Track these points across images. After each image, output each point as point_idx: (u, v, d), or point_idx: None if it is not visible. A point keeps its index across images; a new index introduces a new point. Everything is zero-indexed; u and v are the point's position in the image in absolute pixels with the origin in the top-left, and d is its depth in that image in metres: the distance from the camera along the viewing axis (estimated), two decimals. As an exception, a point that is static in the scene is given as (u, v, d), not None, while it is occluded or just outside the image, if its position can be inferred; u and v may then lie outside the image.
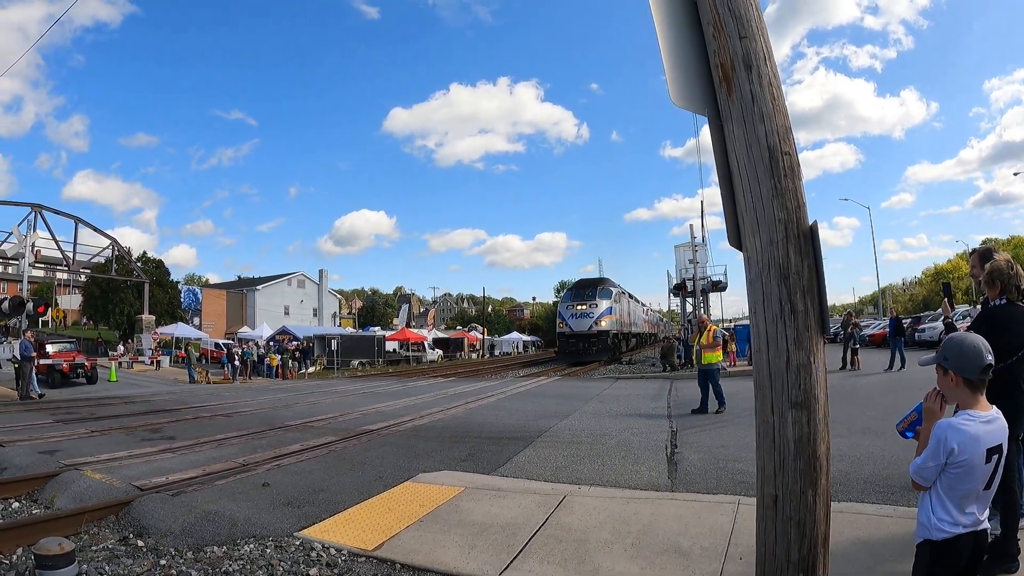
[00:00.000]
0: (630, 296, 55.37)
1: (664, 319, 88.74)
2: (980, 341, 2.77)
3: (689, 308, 41.04)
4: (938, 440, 2.71)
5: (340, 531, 5.79)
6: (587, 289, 45.86)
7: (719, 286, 42.52)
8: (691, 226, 42.54)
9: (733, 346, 29.52)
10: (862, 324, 30.65)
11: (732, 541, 5.11)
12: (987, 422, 2.71)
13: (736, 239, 3.41)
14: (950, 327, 5.51)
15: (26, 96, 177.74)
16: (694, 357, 16.01)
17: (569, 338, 43.33)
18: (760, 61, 3.39)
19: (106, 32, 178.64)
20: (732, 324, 56.94)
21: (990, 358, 2.71)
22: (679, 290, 42.92)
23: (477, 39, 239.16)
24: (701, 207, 45.37)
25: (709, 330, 14.46)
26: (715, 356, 14.20)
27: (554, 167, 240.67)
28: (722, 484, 7.08)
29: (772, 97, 3.36)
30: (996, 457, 2.70)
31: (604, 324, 41.86)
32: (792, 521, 3.19)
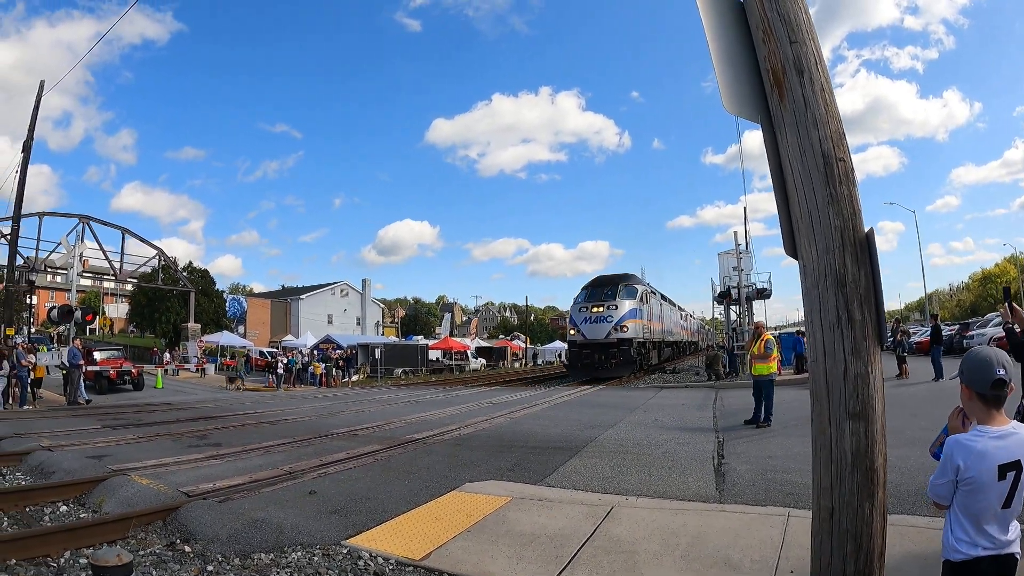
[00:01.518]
0: (663, 298, 46.01)
1: (707, 327, 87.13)
2: (995, 355, 2.64)
3: (733, 316, 40.10)
4: (945, 456, 2.66)
5: (387, 540, 5.78)
6: (605, 287, 35.85)
7: (764, 293, 40.00)
8: (735, 233, 39.20)
9: (777, 354, 28.77)
10: (910, 331, 29.87)
11: (783, 554, 5.01)
12: (999, 437, 2.60)
13: (791, 247, 3.36)
14: (1011, 332, 5.35)
15: (75, 112, 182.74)
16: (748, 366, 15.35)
17: (582, 348, 34.09)
18: (811, 65, 3.36)
19: (153, 49, 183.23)
20: (777, 332, 55.61)
21: (1001, 372, 2.57)
22: (723, 298, 40.85)
23: (517, 49, 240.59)
24: (744, 213, 41.20)
25: (761, 339, 13.65)
26: (765, 367, 13.21)
27: (596, 175, 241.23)
28: (771, 496, 6.96)
29: (824, 102, 3.32)
30: (1012, 474, 2.59)
31: (626, 330, 32.76)
32: (849, 534, 3.16)
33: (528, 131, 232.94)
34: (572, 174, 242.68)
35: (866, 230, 3.24)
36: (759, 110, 3.47)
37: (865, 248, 3.20)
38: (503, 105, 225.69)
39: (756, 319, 35.01)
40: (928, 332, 26.98)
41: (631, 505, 6.67)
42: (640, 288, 36.17)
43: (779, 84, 3.39)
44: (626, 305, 33.47)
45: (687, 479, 7.97)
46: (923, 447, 8.37)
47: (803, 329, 32.22)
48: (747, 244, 37.60)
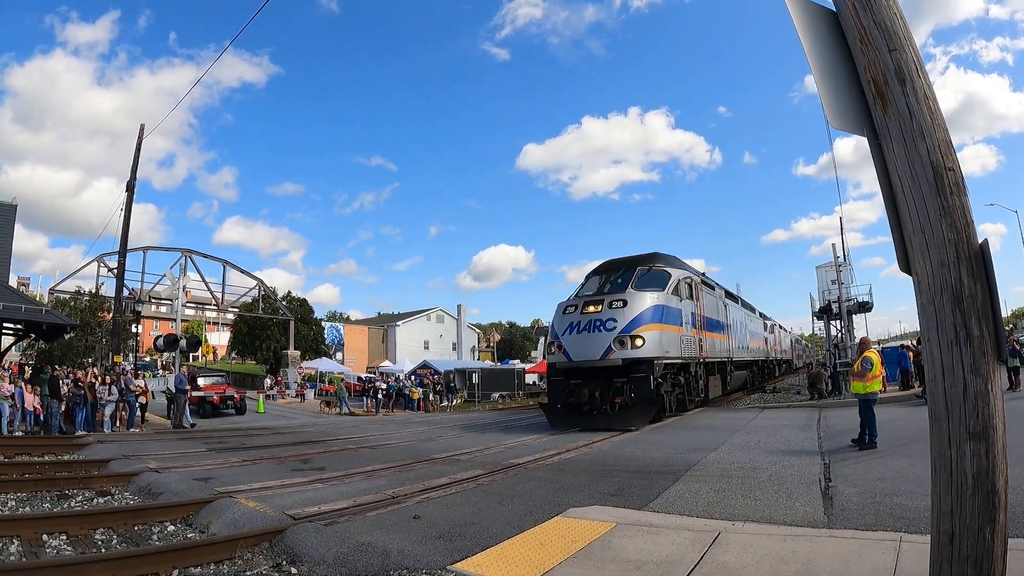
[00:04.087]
0: (730, 295, 31.49)
1: (805, 342, 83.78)
2: None
3: (834, 331, 38.78)
4: None
5: (493, 566, 5.75)
6: (614, 273, 22.08)
7: (865, 306, 37.68)
8: (833, 245, 36.98)
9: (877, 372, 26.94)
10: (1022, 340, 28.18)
11: (897, 581, 4.83)
12: None
13: (904, 263, 3.26)
14: None
15: (179, 153, 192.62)
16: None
17: (567, 376, 20.06)
18: (913, 73, 3.27)
19: (252, 92, 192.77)
20: (880, 346, 51.95)
21: None
22: (823, 313, 39.30)
23: (605, 72, 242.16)
24: (840, 224, 38.68)
25: (861, 355, 12.90)
26: (861, 386, 12.42)
27: (689, 193, 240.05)
28: (881, 520, 6.70)
29: (929, 110, 3.23)
30: None
31: (639, 344, 18.72)
32: (969, 560, 3.03)
33: (619, 152, 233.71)
34: (665, 193, 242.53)
35: (980, 241, 3.13)
36: (864, 123, 3.39)
37: (980, 261, 3.09)
38: (593, 128, 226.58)
39: (859, 334, 33.23)
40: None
41: (738, 531, 6.51)
42: (675, 274, 21.72)
43: (882, 95, 3.31)
44: (645, 300, 19.45)
45: (794, 503, 7.74)
46: (1039, 464, 7.96)
47: (907, 343, 31.17)
48: (845, 256, 36.04)
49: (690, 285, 22.92)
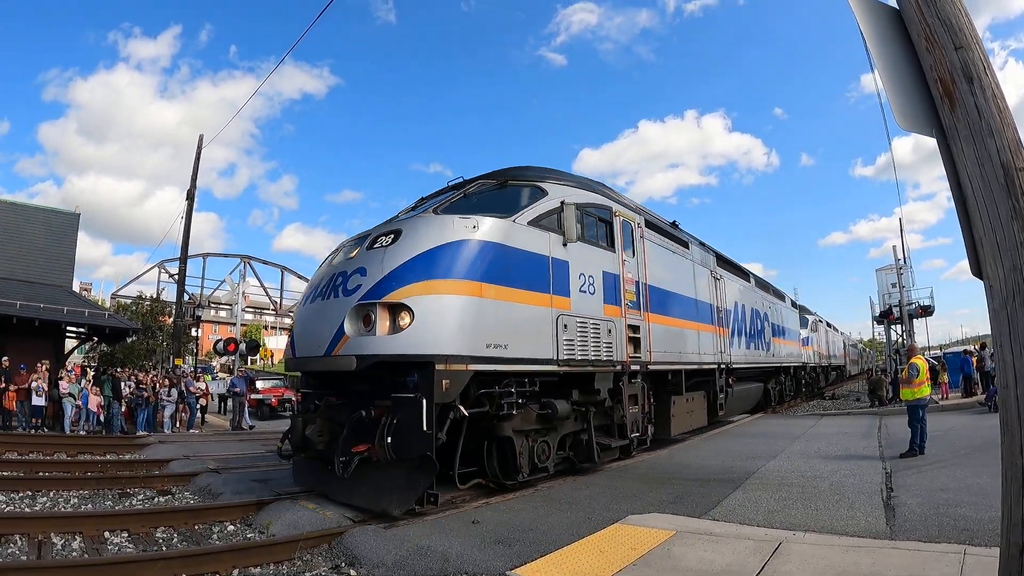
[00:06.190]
0: (728, 264, 19.75)
1: (863, 346, 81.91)
2: None
3: (894, 336, 37.78)
4: None
5: (552, 572, 5.72)
6: (433, 199, 10.76)
7: (927, 311, 36.13)
8: (894, 247, 35.47)
9: (945, 376, 25.61)
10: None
11: (962, 594, 4.71)
12: None
13: (976, 266, 3.18)
14: None
15: (240, 162, 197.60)
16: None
17: (323, 385, 9.39)
18: (980, 71, 3.22)
19: (312, 103, 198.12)
20: (941, 351, 49.84)
21: None
22: (884, 317, 38.09)
23: (658, 75, 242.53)
24: (900, 226, 36.91)
25: (909, 361, 12.78)
26: (909, 392, 12.44)
27: (746, 196, 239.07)
28: (944, 532, 6.55)
29: (998, 109, 3.17)
30: None
31: (409, 322, 7.79)
32: (1039, 573, 2.93)
33: (676, 156, 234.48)
34: (722, 196, 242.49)
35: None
36: (931, 124, 3.32)
37: (1053, 264, 2.99)
38: (649, 131, 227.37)
39: (920, 338, 32.12)
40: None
41: (799, 541, 6.41)
42: (555, 191, 10.28)
43: (949, 94, 3.24)
44: (440, 230, 8.55)
45: (855, 513, 7.59)
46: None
47: (970, 348, 30.28)
48: (906, 258, 34.87)
49: (606, 222, 11.66)
